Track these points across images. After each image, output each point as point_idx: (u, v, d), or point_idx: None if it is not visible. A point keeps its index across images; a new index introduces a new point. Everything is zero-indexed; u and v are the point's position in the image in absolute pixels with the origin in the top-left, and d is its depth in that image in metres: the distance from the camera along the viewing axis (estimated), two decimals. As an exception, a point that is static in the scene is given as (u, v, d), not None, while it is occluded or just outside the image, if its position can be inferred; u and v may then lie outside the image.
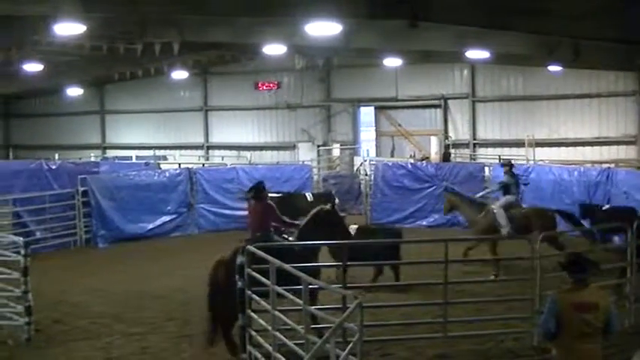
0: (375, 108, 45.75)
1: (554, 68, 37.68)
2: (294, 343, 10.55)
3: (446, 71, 42.80)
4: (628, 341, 12.79)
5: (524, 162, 34.64)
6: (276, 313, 11.13)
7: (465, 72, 42.58)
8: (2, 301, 15.33)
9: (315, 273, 12.95)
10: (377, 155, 43.29)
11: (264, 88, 47.14)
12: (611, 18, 20.59)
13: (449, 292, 13.90)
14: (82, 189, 26.97)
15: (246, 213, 26.61)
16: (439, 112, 43.52)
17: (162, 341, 14.75)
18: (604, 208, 23.81)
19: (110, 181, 28.21)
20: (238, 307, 12.37)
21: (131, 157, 43.47)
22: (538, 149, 39.19)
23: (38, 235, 25.68)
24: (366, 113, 46.54)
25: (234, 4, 19.95)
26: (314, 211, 14.98)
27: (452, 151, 41.31)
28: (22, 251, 14.90)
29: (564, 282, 9.27)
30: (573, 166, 29.65)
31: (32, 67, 36.81)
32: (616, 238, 22.53)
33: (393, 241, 19.01)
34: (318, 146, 45.25)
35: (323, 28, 22.17)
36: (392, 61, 39.19)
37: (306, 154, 44.23)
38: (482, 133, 42.76)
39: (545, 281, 13.44)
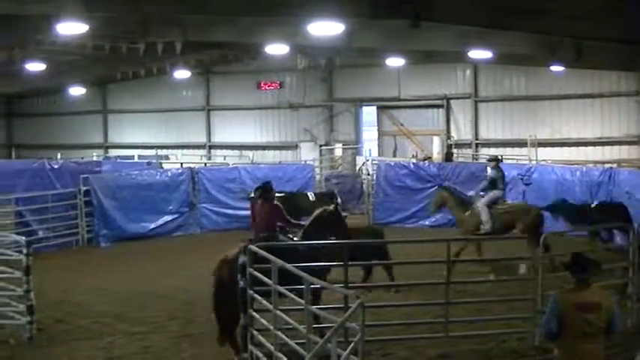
0: (378, 108, 45.73)
1: (556, 68, 37.68)
2: (296, 343, 10.55)
3: (448, 71, 42.79)
4: (630, 341, 12.79)
5: (527, 162, 34.64)
6: (278, 312, 11.14)
7: (468, 72, 42.56)
8: (4, 300, 15.33)
9: (319, 273, 12.99)
10: (379, 155, 43.25)
11: (267, 87, 47.14)
12: (614, 18, 20.59)
13: (450, 292, 13.89)
14: (85, 188, 26.98)
15: (248, 213, 26.77)
16: (441, 112, 43.51)
17: (164, 341, 14.75)
18: (593, 206, 23.90)
19: (112, 180, 28.23)
20: (241, 307, 12.39)
21: (133, 156, 43.42)
22: (540, 149, 39.19)
23: (40, 234, 25.72)
24: (369, 113, 46.51)
25: (236, 3, 19.96)
26: (317, 212, 15.00)
27: (454, 151, 41.27)
28: (25, 250, 14.92)
29: (566, 282, 9.26)
30: (576, 166, 29.63)
31: (35, 67, 36.86)
32: (616, 236, 22.62)
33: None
34: (321, 146, 45.20)
35: (325, 28, 22.19)
36: (394, 61, 39.18)
37: (308, 153, 44.21)
38: (485, 133, 42.75)
39: (547, 281, 13.45)
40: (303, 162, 38.57)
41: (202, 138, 49.56)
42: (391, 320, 14.67)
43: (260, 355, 11.86)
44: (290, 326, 11.01)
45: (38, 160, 32.57)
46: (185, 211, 29.33)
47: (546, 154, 39.07)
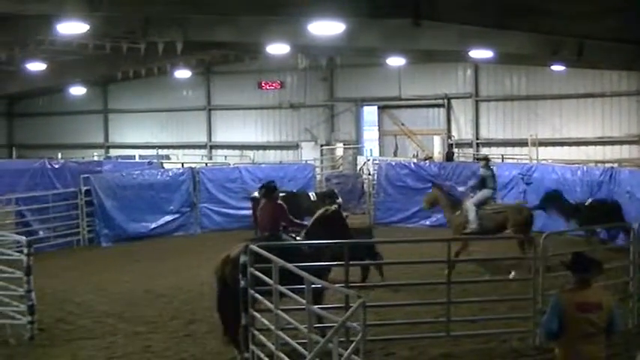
0: (378, 107, 45.75)
1: (557, 68, 37.69)
2: (297, 343, 10.55)
3: (449, 71, 42.80)
4: (631, 341, 12.80)
5: (528, 161, 34.63)
6: (279, 312, 11.14)
7: (469, 71, 42.56)
8: (5, 300, 15.34)
9: (321, 273, 13.02)
10: (380, 155, 43.31)
11: (268, 87, 47.16)
12: (615, 18, 20.57)
13: (451, 291, 13.89)
14: (85, 188, 26.99)
15: (249, 212, 26.81)
16: (442, 111, 43.51)
17: (165, 340, 14.75)
18: (586, 204, 24.00)
19: (113, 180, 28.22)
20: (242, 306, 12.40)
21: (134, 156, 43.47)
22: (541, 149, 39.16)
23: (41, 234, 25.74)
24: (369, 112, 46.53)
25: (237, 3, 19.96)
26: (319, 212, 15.03)
27: (455, 150, 41.26)
28: (25, 250, 14.93)
29: (567, 281, 9.26)
30: (576, 165, 29.61)
31: (35, 67, 36.92)
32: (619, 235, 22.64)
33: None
34: (322, 146, 45.21)
35: (326, 28, 22.18)
36: (395, 61, 39.18)
37: (309, 153, 44.20)
38: (486, 133, 42.75)
39: (548, 280, 13.46)
40: (304, 162, 38.55)
41: (203, 138, 49.58)
42: (393, 320, 14.68)
43: (261, 354, 11.86)
44: (291, 326, 11.02)
45: (39, 160, 32.66)
46: (186, 211, 29.32)
47: (547, 153, 39.05)
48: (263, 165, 35.73)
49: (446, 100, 43.05)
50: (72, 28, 22.86)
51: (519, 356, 13.19)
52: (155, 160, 37.73)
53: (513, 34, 24.06)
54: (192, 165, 33.44)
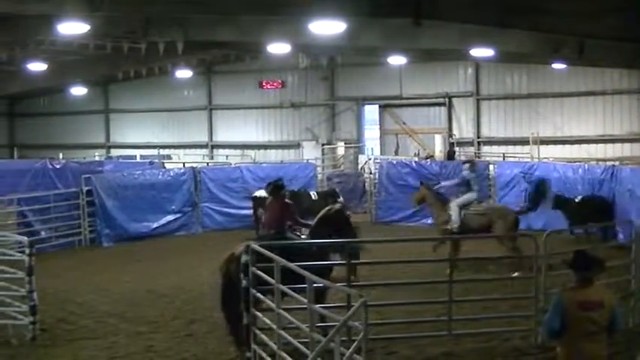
0: (380, 106, 45.76)
1: (558, 66, 37.69)
2: (299, 342, 10.55)
3: (450, 69, 42.79)
4: (633, 339, 12.79)
5: (529, 160, 34.64)
6: (281, 311, 11.14)
7: (470, 70, 42.56)
8: (7, 300, 15.35)
9: (324, 272, 13.06)
10: (381, 153, 43.27)
11: (269, 86, 47.18)
12: (616, 16, 20.57)
13: (453, 290, 13.89)
14: (87, 188, 26.98)
15: (251, 212, 26.82)
16: (443, 110, 43.51)
17: (167, 340, 14.75)
18: (577, 200, 24.16)
19: (114, 180, 28.22)
20: (244, 305, 12.41)
21: (135, 156, 43.45)
22: (542, 147, 39.18)
23: (43, 234, 25.72)
24: (371, 111, 46.56)
25: (238, 2, 19.97)
26: (323, 211, 15.07)
27: (456, 149, 41.24)
28: (27, 250, 14.93)
29: (569, 280, 9.25)
30: (578, 163, 29.62)
31: (36, 67, 36.94)
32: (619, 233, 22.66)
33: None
34: (323, 145, 45.24)
35: (327, 27, 22.18)
36: (396, 60, 39.19)
37: (310, 152, 44.18)
38: (487, 131, 42.74)
39: (549, 279, 13.46)
40: (305, 161, 38.56)
41: (204, 137, 49.59)
42: (394, 318, 14.68)
43: (263, 354, 11.86)
44: (293, 325, 11.02)
45: (40, 160, 32.64)
46: (187, 210, 29.32)
47: (548, 151, 39.06)
48: (264, 164, 35.71)
49: (447, 99, 43.05)
50: (72, 28, 22.87)
51: (521, 355, 13.19)
52: (156, 160, 37.70)
53: (514, 32, 24.07)
54: (194, 165, 33.43)
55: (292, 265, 10.90)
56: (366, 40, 28.26)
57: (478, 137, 42.71)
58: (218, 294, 13.60)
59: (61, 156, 42.71)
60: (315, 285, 10.27)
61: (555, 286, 12.64)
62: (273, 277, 11.25)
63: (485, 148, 42.38)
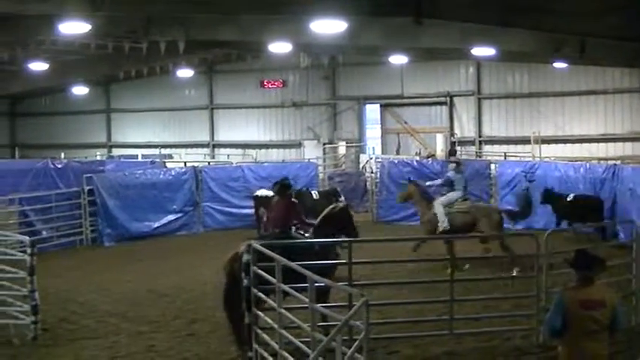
0: (381, 105, 45.75)
1: (559, 65, 37.66)
2: (301, 341, 10.55)
3: (451, 68, 42.78)
4: (634, 338, 12.79)
5: (530, 159, 34.62)
6: (283, 311, 11.13)
7: (471, 69, 42.56)
8: (9, 300, 15.36)
9: (327, 271, 13.08)
10: (383, 153, 43.24)
11: (270, 86, 47.19)
12: (617, 15, 20.55)
13: (454, 289, 13.89)
14: (88, 188, 27.00)
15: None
16: (445, 109, 43.50)
17: (168, 340, 14.75)
18: (569, 199, 24.26)
19: (116, 179, 28.23)
20: (246, 305, 12.41)
21: (137, 155, 43.45)
22: (544, 146, 39.14)
23: (44, 234, 25.73)
24: (372, 111, 46.53)
25: (239, 2, 19.96)
26: (327, 209, 15.10)
27: (458, 148, 41.18)
28: (29, 250, 14.93)
29: (570, 279, 9.26)
30: (579, 162, 29.62)
31: (38, 66, 36.92)
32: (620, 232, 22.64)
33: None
34: (324, 144, 45.24)
35: (328, 26, 22.17)
36: (397, 59, 39.18)
37: (311, 152, 44.20)
38: (488, 130, 42.73)
39: (551, 278, 13.46)
40: (306, 160, 38.57)
41: (206, 137, 49.60)
42: (396, 318, 14.69)
43: (265, 353, 11.86)
44: (295, 325, 11.02)
45: (42, 159, 32.63)
46: (189, 210, 29.33)
47: (550, 151, 39.01)
48: (266, 164, 35.69)
49: (448, 98, 43.03)
50: (74, 27, 22.87)
51: (523, 354, 13.19)
52: (158, 160, 37.71)
53: (515, 31, 24.05)
54: (195, 164, 33.39)
55: (293, 265, 10.90)
56: (367, 39, 28.25)
57: (479, 136, 42.70)
58: (221, 293, 13.60)
59: (62, 155, 42.68)
60: (318, 284, 10.28)
61: (556, 285, 12.65)
62: (274, 277, 11.25)
63: (486, 147, 42.36)
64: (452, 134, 42.87)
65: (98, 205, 26.99)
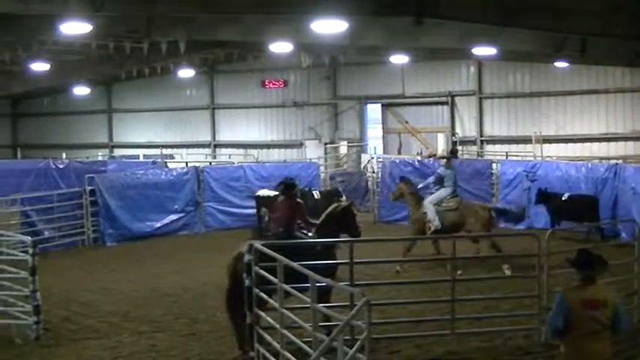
0: (382, 105, 45.70)
1: (561, 64, 37.62)
2: (302, 341, 10.56)
3: (452, 68, 42.76)
4: (636, 338, 12.79)
5: (532, 158, 34.61)
6: (284, 311, 11.14)
7: (472, 69, 42.53)
8: (11, 300, 15.38)
9: (330, 270, 13.10)
10: (384, 152, 43.15)
11: (271, 86, 47.17)
12: (618, 15, 20.55)
13: (456, 289, 13.90)
14: (90, 188, 27.03)
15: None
16: (446, 109, 43.47)
17: (170, 339, 14.77)
18: (563, 198, 24.39)
19: (117, 179, 28.25)
20: (247, 305, 12.42)
21: (138, 155, 43.45)
22: (545, 145, 39.11)
23: (46, 234, 25.78)
24: (373, 110, 46.47)
25: (240, 2, 19.95)
26: (330, 208, 15.11)
27: (459, 148, 41.19)
28: (30, 250, 14.94)
29: (572, 279, 9.26)
30: (581, 162, 29.63)
31: (39, 67, 36.89)
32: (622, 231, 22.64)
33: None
34: (325, 144, 45.24)
35: (329, 26, 22.15)
36: (398, 59, 39.13)
37: (313, 151, 44.20)
38: (490, 130, 42.71)
39: (552, 278, 13.46)
40: (307, 160, 38.58)
41: (207, 137, 49.60)
42: (397, 318, 14.70)
43: (267, 353, 11.87)
44: (296, 325, 11.03)
45: (43, 160, 32.68)
46: (190, 210, 29.35)
47: (551, 150, 38.99)
48: (267, 164, 35.69)
49: (449, 98, 43.00)
50: (75, 28, 22.85)
51: (525, 354, 13.19)
52: (159, 160, 37.72)
53: (516, 31, 24.01)
54: (197, 164, 33.38)
55: (295, 265, 10.90)
56: (368, 39, 28.22)
57: (481, 136, 42.67)
58: (223, 293, 13.61)
59: (64, 156, 42.66)
60: (320, 284, 10.29)
61: (558, 285, 12.65)
62: (276, 277, 11.26)
63: (488, 147, 42.35)
64: (453, 134, 42.85)
65: (100, 205, 27.03)
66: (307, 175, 31.34)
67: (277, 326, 11.28)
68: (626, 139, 39.39)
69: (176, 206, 28.98)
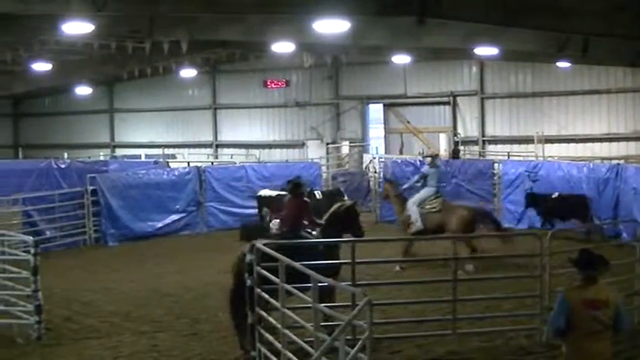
0: (384, 105, 45.72)
1: (562, 64, 37.62)
2: (304, 341, 10.55)
3: (455, 68, 42.78)
4: (637, 338, 12.78)
5: (534, 158, 34.60)
6: (286, 310, 11.14)
7: (474, 69, 42.54)
8: (12, 299, 15.39)
9: (334, 270, 13.10)
10: (386, 152, 43.18)
11: (273, 86, 47.19)
12: (620, 15, 20.54)
13: (457, 289, 13.89)
14: (92, 188, 27.06)
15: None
16: (448, 109, 43.49)
17: (171, 339, 14.77)
18: (553, 197, 24.51)
19: (119, 179, 28.27)
20: (249, 305, 12.41)
21: (140, 155, 43.50)
22: (547, 146, 39.13)
23: (48, 234, 25.82)
24: (375, 110, 46.50)
25: (242, 1, 19.95)
26: (334, 207, 15.12)
27: (461, 148, 41.20)
28: (32, 250, 14.93)
29: (573, 278, 9.25)
30: (583, 162, 29.61)
31: (41, 67, 36.91)
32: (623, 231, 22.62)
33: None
34: (327, 144, 45.23)
35: (331, 26, 22.15)
36: (400, 59, 39.09)
37: (315, 151, 44.19)
38: (491, 130, 42.72)
39: (554, 278, 13.45)
40: (309, 160, 38.57)
41: (209, 136, 49.61)
42: (399, 318, 14.68)
43: (268, 353, 11.86)
44: (298, 324, 11.02)
45: (45, 160, 32.61)
46: (192, 210, 29.35)
47: (553, 150, 39.01)
48: (269, 164, 35.69)
49: (451, 98, 43.02)
50: (77, 27, 22.86)
51: (526, 354, 13.17)
52: (161, 160, 37.73)
53: (519, 31, 24.01)
54: (198, 164, 33.41)
55: (296, 265, 10.89)
56: (370, 39, 28.21)
57: (483, 136, 42.69)
58: (226, 293, 13.61)
59: (65, 156, 42.63)
60: (323, 284, 10.28)
61: (560, 284, 12.63)
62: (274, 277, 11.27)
63: (489, 147, 42.38)
64: (455, 134, 42.86)
65: (101, 205, 27.06)
66: (309, 175, 31.26)
67: (279, 326, 11.27)
68: (627, 139, 39.40)
69: (178, 206, 28.99)
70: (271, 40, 30.42)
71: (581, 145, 39.96)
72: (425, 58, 39.57)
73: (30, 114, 55.32)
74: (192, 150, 48.70)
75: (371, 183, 33.80)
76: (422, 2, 19.19)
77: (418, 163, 31.12)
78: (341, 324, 8.70)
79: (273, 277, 11.48)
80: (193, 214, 29.37)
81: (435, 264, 18.82)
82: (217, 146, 49.54)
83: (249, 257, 12.34)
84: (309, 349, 10.02)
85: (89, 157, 42.53)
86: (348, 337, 9.72)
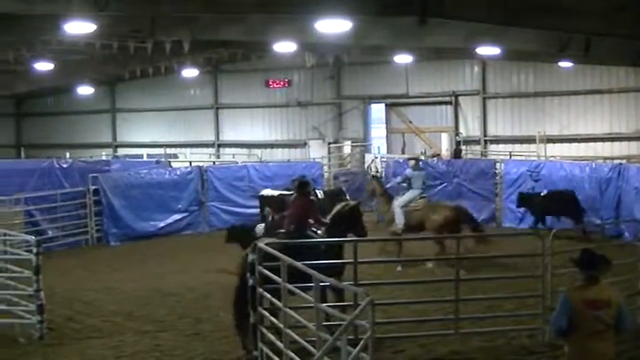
0: (386, 105, 45.71)
1: (564, 64, 37.60)
2: (306, 341, 10.56)
3: (456, 68, 42.77)
4: (639, 338, 12.77)
5: (536, 158, 34.59)
6: (288, 310, 11.14)
7: (476, 68, 42.53)
8: (15, 299, 15.40)
9: (337, 269, 13.12)
10: (388, 152, 43.20)
11: (275, 85, 47.19)
12: (622, 14, 20.54)
13: (460, 289, 13.88)
14: (94, 187, 27.08)
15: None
16: (450, 108, 43.47)
17: (174, 339, 14.77)
18: (542, 194, 24.71)
19: (121, 179, 28.27)
20: (251, 305, 12.42)
21: (142, 155, 43.51)
22: (549, 145, 39.12)
23: (50, 233, 25.84)
24: (377, 110, 46.50)
25: (244, 1, 19.96)
26: (338, 207, 15.13)
27: (463, 147, 41.20)
28: (34, 250, 14.95)
29: (575, 278, 9.25)
30: (585, 162, 29.61)
31: (43, 66, 36.93)
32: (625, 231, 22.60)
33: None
34: (329, 143, 45.18)
35: (333, 25, 22.16)
36: (402, 58, 39.08)
37: (317, 151, 44.16)
38: (493, 130, 42.71)
39: (556, 278, 13.44)
40: (311, 160, 38.56)
41: (211, 136, 49.61)
42: (401, 317, 14.68)
43: (270, 353, 11.86)
44: (300, 324, 11.02)
45: (47, 159, 32.66)
46: (194, 209, 29.36)
47: (555, 150, 39.00)
48: (271, 163, 35.69)
49: (453, 98, 43.00)
50: (79, 27, 22.88)
51: (528, 353, 13.18)
52: (163, 159, 37.74)
53: (521, 31, 24.01)
54: (200, 164, 33.43)
55: (299, 264, 10.89)
56: (372, 38, 28.21)
57: (485, 136, 42.67)
58: (231, 293, 13.61)
59: (68, 155, 42.69)
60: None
61: (562, 284, 12.63)
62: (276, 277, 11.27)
63: (491, 147, 42.37)
64: (457, 133, 42.84)
65: (104, 204, 27.07)
66: (311, 175, 31.26)
67: (281, 325, 11.27)
68: (629, 139, 39.38)
69: (180, 206, 29.00)
70: (273, 40, 30.43)
71: (583, 144, 39.94)
72: (427, 57, 39.57)
73: (32, 114, 55.35)
74: (194, 150, 48.68)
75: (373, 183, 33.74)
76: (423, 2, 19.20)
77: (420, 163, 31.19)
78: (343, 323, 8.70)
79: (275, 277, 11.48)
80: (195, 214, 29.38)
81: (438, 264, 18.81)
82: (219, 146, 49.55)
83: (251, 257, 12.34)
84: (312, 348, 10.02)
85: (91, 157, 42.53)
86: (350, 337, 9.72)
